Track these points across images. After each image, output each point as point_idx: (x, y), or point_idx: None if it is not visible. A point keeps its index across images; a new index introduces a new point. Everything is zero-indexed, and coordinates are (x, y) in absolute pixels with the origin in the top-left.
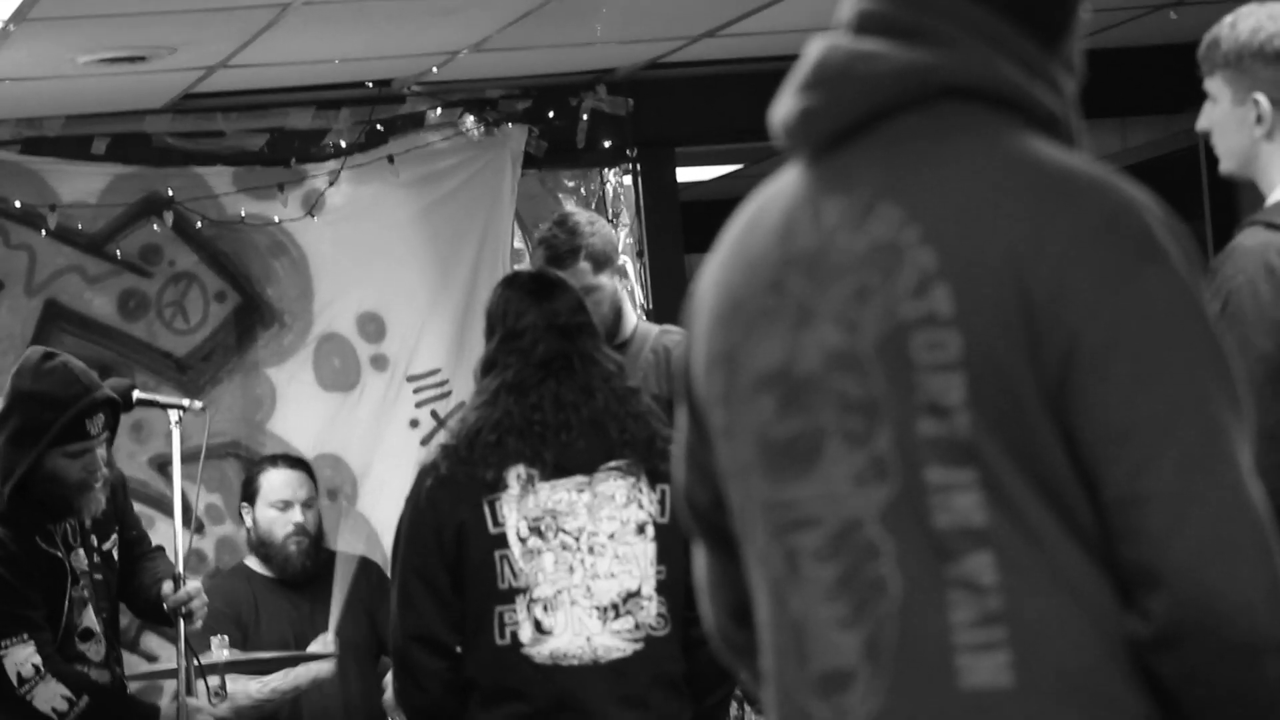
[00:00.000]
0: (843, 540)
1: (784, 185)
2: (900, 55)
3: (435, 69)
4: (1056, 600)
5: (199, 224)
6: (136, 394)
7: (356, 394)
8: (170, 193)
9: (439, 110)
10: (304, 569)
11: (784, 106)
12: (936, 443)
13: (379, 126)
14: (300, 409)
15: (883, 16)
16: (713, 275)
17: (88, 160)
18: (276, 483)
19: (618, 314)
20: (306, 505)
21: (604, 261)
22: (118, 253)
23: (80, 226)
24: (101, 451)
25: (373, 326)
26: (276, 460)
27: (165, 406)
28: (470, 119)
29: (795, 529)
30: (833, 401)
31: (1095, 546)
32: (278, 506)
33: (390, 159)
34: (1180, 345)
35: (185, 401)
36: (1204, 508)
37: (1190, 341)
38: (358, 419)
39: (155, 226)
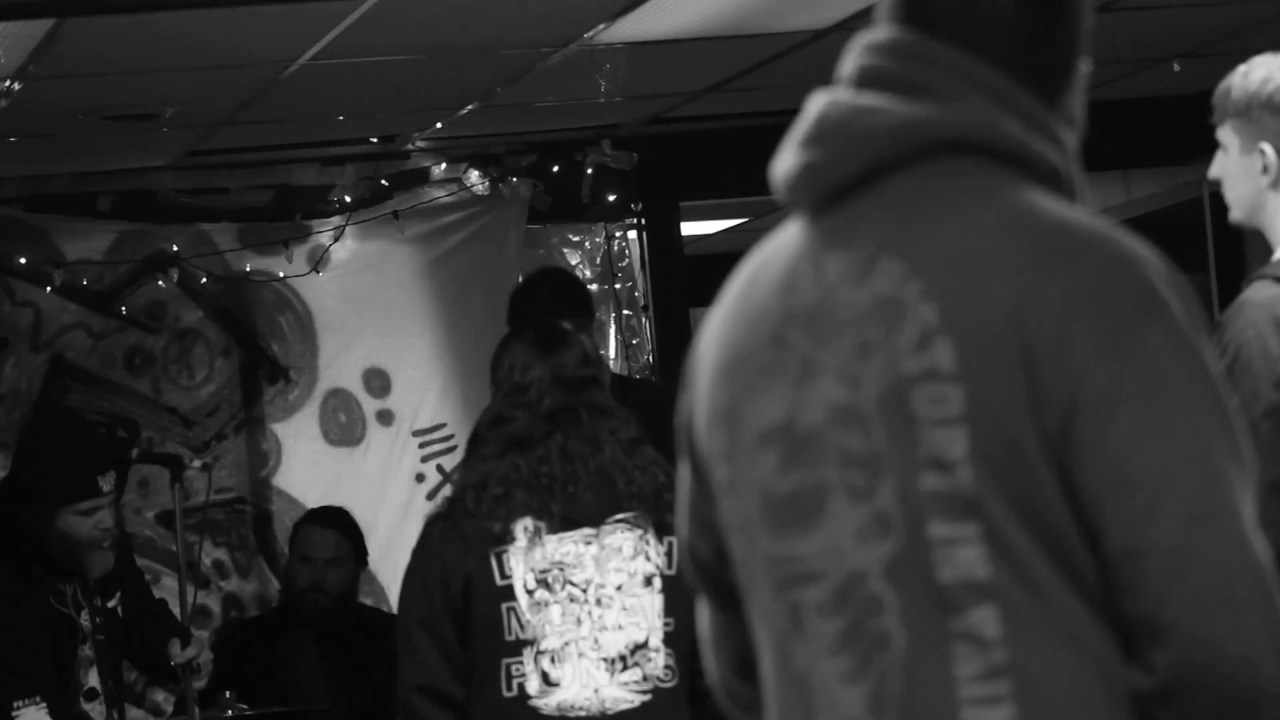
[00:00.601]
0: (846, 595)
1: (785, 240)
2: (901, 110)
3: (440, 124)
4: (1060, 653)
5: (204, 280)
6: (136, 451)
7: (362, 449)
8: (175, 249)
9: (444, 166)
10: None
11: (785, 161)
12: (939, 497)
13: (384, 182)
14: (306, 464)
15: (884, 71)
16: (714, 330)
17: (93, 217)
18: (300, 538)
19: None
20: (330, 564)
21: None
22: (123, 309)
23: (85, 283)
24: (110, 510)
25: (378, 381)
26: (313, 515)
27: (166, 463)
28: (475, 174)
29: (798, 584)
30: (835, 457)
31: (1097, 600)
32: (299, 560)
33: (395, 214)
34: (1182, 398)
35: (186, 458)
36: (1205, 560)
37: (1192, 395)
38: (364, 474)
39: (160, 283)
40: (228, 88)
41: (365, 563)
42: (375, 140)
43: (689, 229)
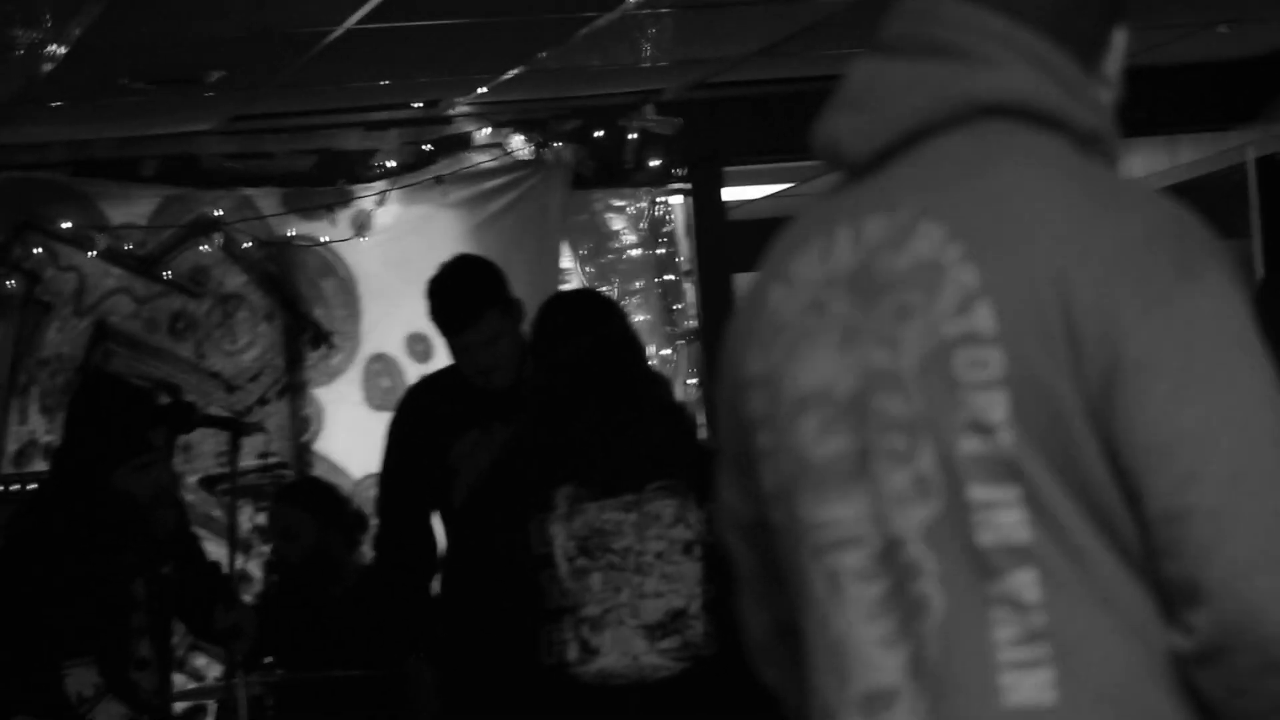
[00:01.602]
0: (885, 559)
1: (825, 205)
2: (941, 74)
3: (483, 89)
4: (1099, 616)
5: (247, 245)
6: (203, 413)
7: None
8: (219, 214)
9: (487, 131)
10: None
11: (826, 126)
12: (979, 460)
13: (427, 147)
14: (348, 429)
15: (924, 36)
16: (753, 296)
17: (137, 182)
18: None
19: (525, 357)
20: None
21: (509, 307)
22: (167, 274)
23: (129, 248)
24: (166, 466)
25: (421, 347)
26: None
27: (228, 426)
28: (518, 139)
29: (837, 549)
30: (875, 421)
31: (1137, 562)
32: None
33: (438, 179)
34: (1224, 360)
35: (250, 421)
36: (1247, 522)
37: (1234, 357)
38: None
39: (204, 248)
40: (272, 53)
41: (347, 524)
42: (419, 105)
43: (732, 194)
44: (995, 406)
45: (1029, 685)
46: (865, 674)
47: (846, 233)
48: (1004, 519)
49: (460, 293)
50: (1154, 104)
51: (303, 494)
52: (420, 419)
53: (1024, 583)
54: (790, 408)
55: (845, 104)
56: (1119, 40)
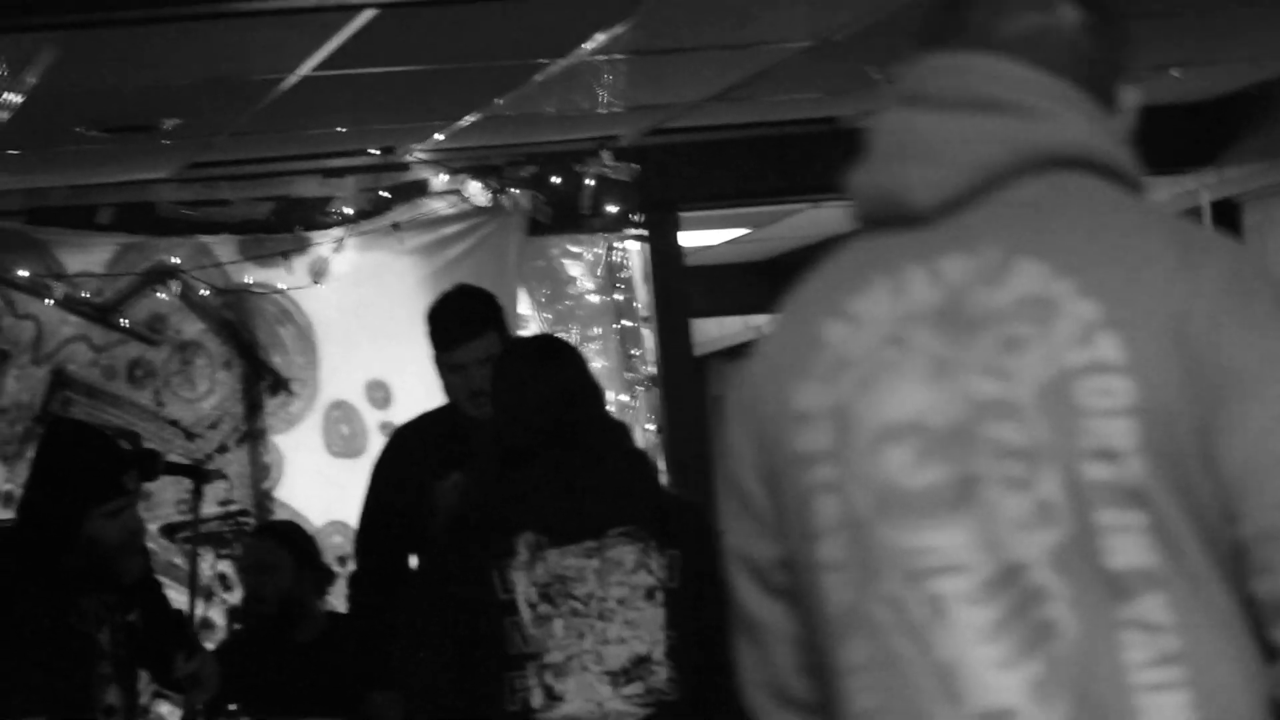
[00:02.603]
0: (1002, 584)
1: (873, 249)
2: (1007, 127)
3: (439, 136)
4: (1222, 642)
5: (205, 292)
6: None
7: (365, 461)
8: (176, 261)
9: (444, 177)
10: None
11: (883, 177)
12: (1107, 486)
13: (384, 193)
14: (308, 476)
15: (971, 91)
16: (796, 335)
17: (94, 230)
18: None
19: None
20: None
21: (506, 338)
22: (124, 322)
23: (87, 296)
24: (136, 510)
25: (380, 393)
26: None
27: (191, 473)
28: (475, 185)
29: (939, 574)
30: (988, 449)
31: (1236, 585)
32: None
33: (395, 226)
34: None
35: (211, 468)
36: None
37: None
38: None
39: (161, 295)
40: (228, 100)
41: (320, 569)
42: (375, 152)
43: (689, 240)
44: (1124, 434)
45: (1167, 706)
46: (982, 695)
47: (920, 273)
48: (1132, 543)
49: (466, 308)
50: None
51: (281, 532)
52: (404, 460)
53: (1155, 605)
54: (872, 439)
55: (904, 155)
56: (1129, 97)
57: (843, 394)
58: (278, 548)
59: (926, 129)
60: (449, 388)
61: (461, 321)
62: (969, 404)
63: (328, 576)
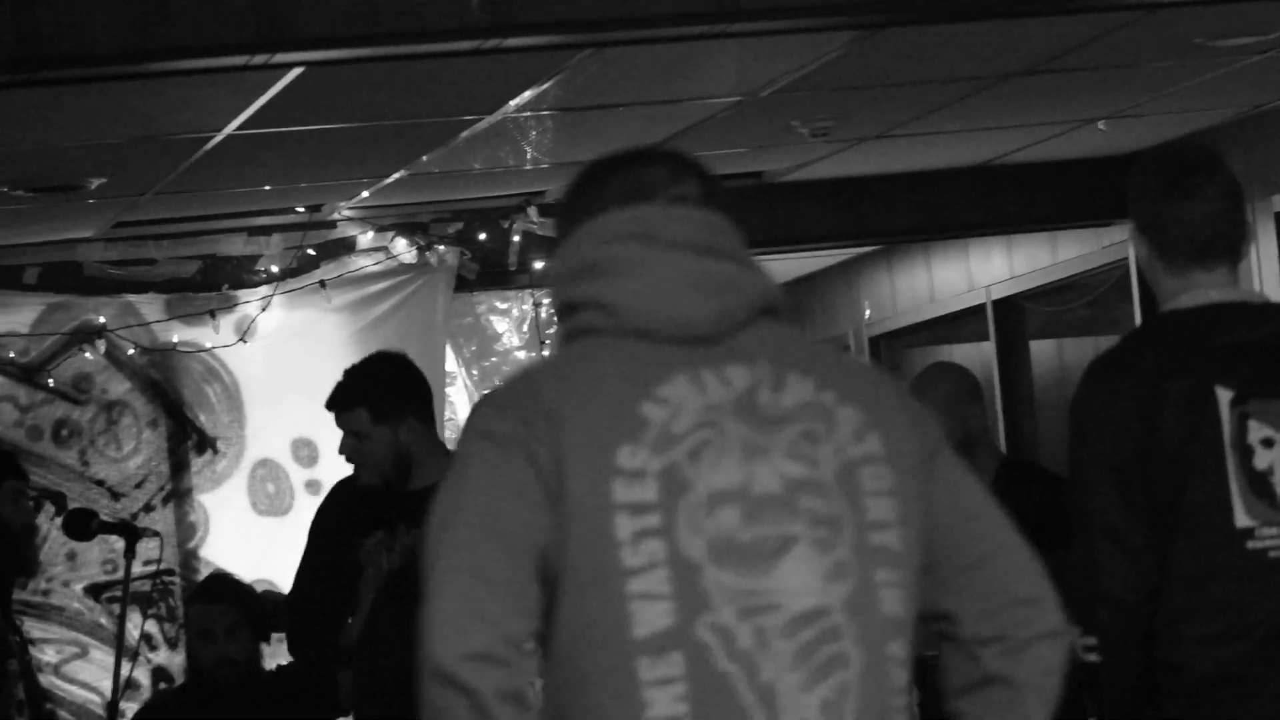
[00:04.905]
0: (808, 623)
1: (654, 353)
2: (749, 274)
3: (366, 193)
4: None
5: (131, 351)
6: (95, 522)
7: (291, 519)
8: (102, 320)
9: (370, 234)
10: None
11: (667, 304)
12: (881, 550)
13: (310, 251)
14: (234, 535)
15: (721, 246)
16: (601, 411)
17: (19, 290)
18: (194, 617)
19: (405, 463)
20: (230, 634)
21: (382, 412)
22: (50, 381)
23: (12, 355)
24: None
25: (306, 451)
26: (200, 594)
27: (123, 531)
28: (402, 242)
29: (763, 612)
30: (803, 516)
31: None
32: (199, 638)
33: (322, 284)
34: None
35: (143, 528)
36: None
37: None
38: (293, 544)
39: (87, 354)
40: (154, 159)
41: (264, 631)
42: (301, 210)
43: None
44: (888, 509)
45: None
46: (791, 711)
47: (711, 375)
48: (894, 596)
49: (339, 383)
50: (1035, 200)
51: (231, 589)
52: (334, 516)
53: (900, 646)
54: (705, 499)
55: (689, 289)
56: None
57: (672, 461)
58: (233, 608)
59: (701, 270)
60: None
61: (332, 392)
62: (784, 480)
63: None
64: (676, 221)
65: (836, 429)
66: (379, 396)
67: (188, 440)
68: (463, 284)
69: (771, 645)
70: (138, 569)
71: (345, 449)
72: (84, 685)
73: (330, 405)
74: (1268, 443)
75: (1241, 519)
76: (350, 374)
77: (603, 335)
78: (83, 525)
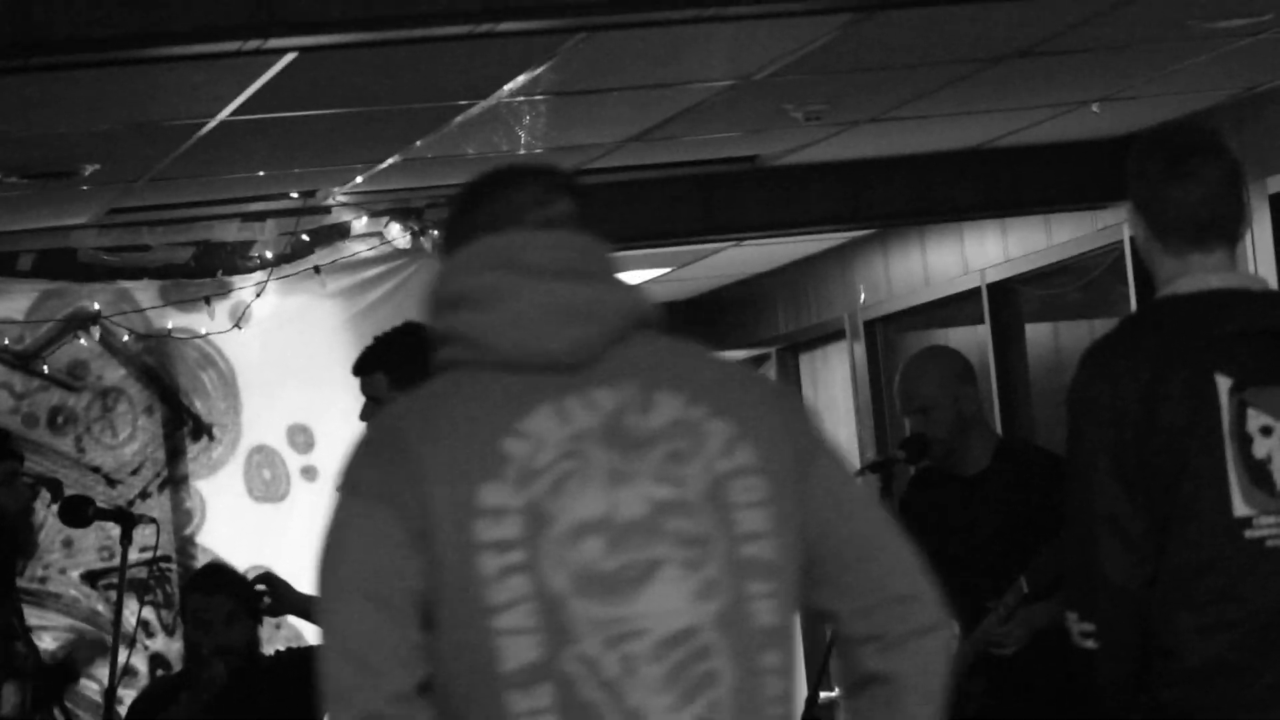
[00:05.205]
0: (675, 644)
1: (517, 384)
2: (616, 294)
3: (360, 179)
4: (795, 680)
5: (126, 338)
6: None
7: (287, 505)
8: (97, 307)
9: (364, 220)
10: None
11: (528, 335)
12: (754, 562)
13: (305, 237)
14: (230, 521)
15: (587, 268)
16: (463, 447)
17: (14, 276)
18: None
19: None
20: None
21: (401, 378)
22: (45, 368)
23: (7, 343)
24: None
25: (302, 438)
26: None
27: (119, 518)
28: (396, 228)
29: (628, 639)
30: (669, 539)
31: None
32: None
33: (317, 269)
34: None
35: (139, 514)
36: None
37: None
38: (288, 530)
39: (82, 341)
40: (147, 145)
41: (258, 616)
42: (295, 195)
43: None
44: (762, 520)
45: None
46: None
47: (577, 402)
48: (767, 606)
49: (365, 348)
50: (1029, 183)
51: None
52: None
53: (776, 655)
54: (568, 532)
55: (550, 317)
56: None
57: (534, 496)
58: (231, 598)
59: (564, 295)
60: None
61: (359, 355)
62: (649, 504)
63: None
64: (540, 247)
65: (705, 445)
66: (399, 363)
67: (183, 427)
68: None
69: (639, 671)
70: (134, 556)
71: (365, 415)
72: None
73: (354, 369)
74: (1266, 431)
75: (1240, 507)
76: (377, 340)
77: (468, 369)
78: (79, 512)
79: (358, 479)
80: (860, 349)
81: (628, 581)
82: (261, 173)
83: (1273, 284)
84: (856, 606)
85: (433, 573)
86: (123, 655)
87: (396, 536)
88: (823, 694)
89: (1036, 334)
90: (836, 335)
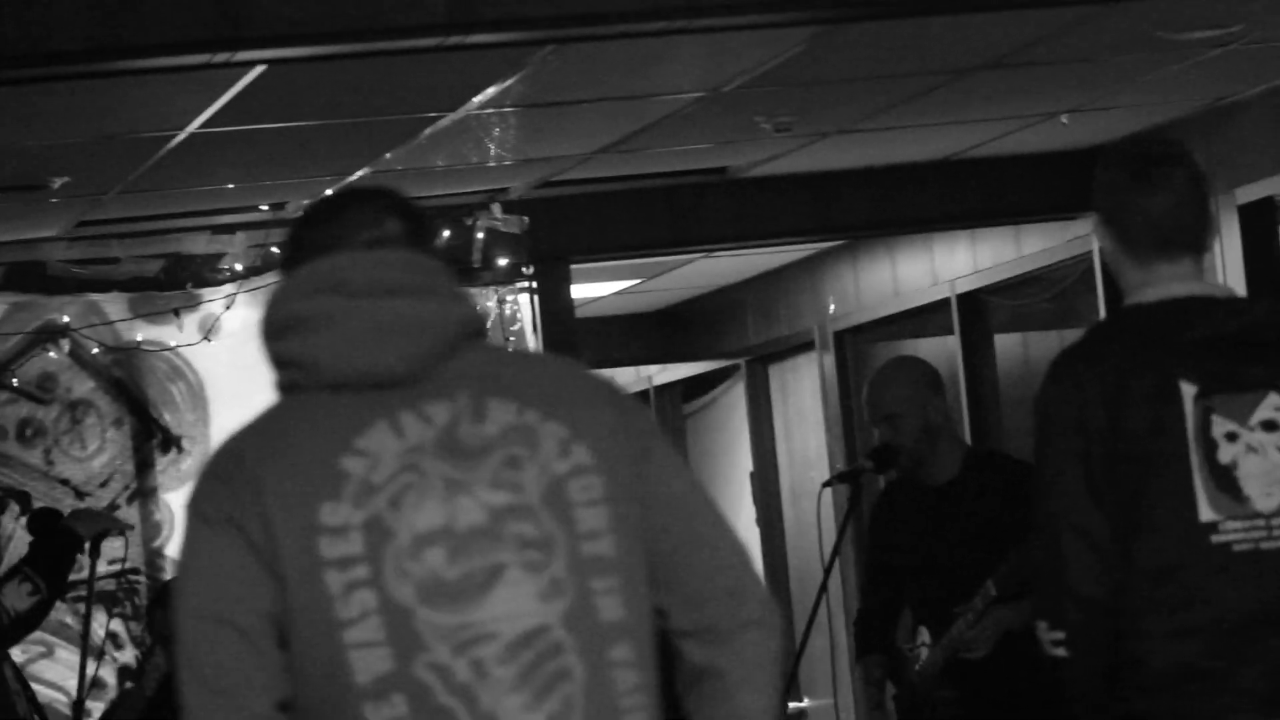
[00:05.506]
0: (525, 645)
1: (352, 403)
2: (445, 308)
3: (330, 191)
4: (656, 672)
5: (95, 351)
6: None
7: None
8: (66, 320)
9: None
10: None
11: (356, 354)
12: (595, 558)
13: (274, 249)
14: None
15: (415, 284)
16: (303, 467)
17: None
18: (160, 621)
19: None
20: None
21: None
22: (14, 381)
23: None
24: None
25: None
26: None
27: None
28: None
29: (477, 643)
30: (511, 543)
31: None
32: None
33: None
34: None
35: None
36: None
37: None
38: None
39: (51, 354)
40: (116, 158)
41: None
42: (265, 208)
43: (580, 292)
44: (600, 518)
45: None
46: None
47: (411, 416)
48: (612, 601)
49: None
50: (998, 194)
51: None
52: None
53: (627, 648)
54: (409, 545)
55: (377, 336)
56: None
57: (375, 511)
58: None
59: (390, 313)
60: None
61: None
62: (488, 511)
63: None
64: (367, 267)
65: (540, 448)
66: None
67: (152, 439)
68: None
69: (491, 674)
70: (103, 568)
71: None
72: (50, 684)
73: None
74: (1231, 437)
75: (1206, 513)
76: None
77: (304, 391)
78: (47, 525)
79: (203, 506)
80: (830, 360)
81: (472, 588)
82: (231, 185)
83: (1241, 294)
84: (684, 601)
85: (282, 593)
86: (91, 667)
87: (243, 560)
88: (791, 704)
89: (1006, 344)
90: (806, 346)
